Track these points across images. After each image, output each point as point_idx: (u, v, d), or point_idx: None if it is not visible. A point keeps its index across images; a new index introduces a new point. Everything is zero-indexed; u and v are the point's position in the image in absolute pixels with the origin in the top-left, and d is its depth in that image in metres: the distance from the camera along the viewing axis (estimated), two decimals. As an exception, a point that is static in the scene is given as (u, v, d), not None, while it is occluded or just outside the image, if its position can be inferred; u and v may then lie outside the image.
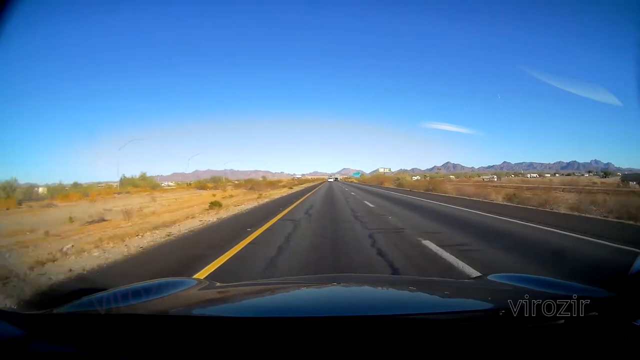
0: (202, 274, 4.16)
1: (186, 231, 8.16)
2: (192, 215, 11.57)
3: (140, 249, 6.04)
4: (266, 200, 20.27)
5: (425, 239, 6.10)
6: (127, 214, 11.92)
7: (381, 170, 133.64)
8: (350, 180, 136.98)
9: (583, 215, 10.10)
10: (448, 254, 4.99)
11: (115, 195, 29.31)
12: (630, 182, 30.47)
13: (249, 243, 6.21)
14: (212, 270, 4.38)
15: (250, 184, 44.83)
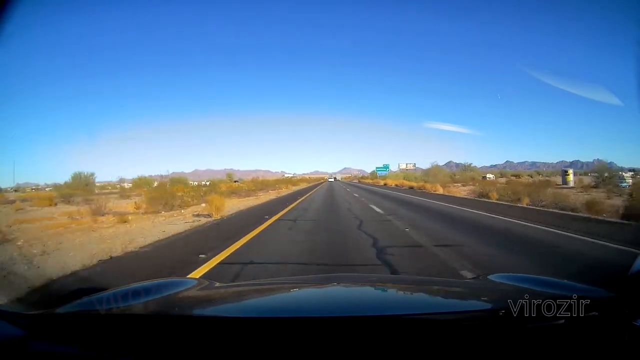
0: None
1: None
2: None
3: None
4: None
5: None
6: None
7: (402, 166, 79.28)
8: (365, 181, 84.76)
9: None
10: None
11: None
12: None
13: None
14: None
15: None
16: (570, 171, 29.55)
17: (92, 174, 22.22)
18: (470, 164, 41.48)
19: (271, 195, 25.52)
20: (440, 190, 24.76)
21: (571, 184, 24.82)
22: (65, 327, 1.03)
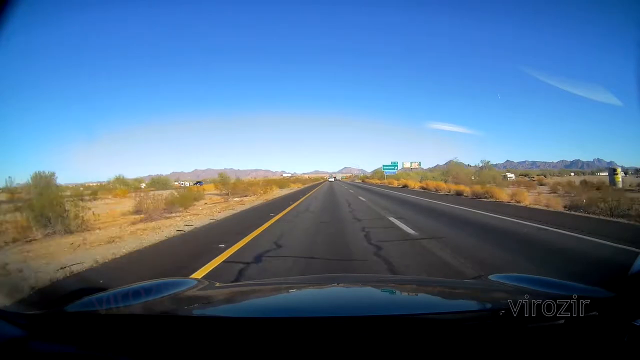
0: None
1: None
2: None
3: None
4: None
5: None
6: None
7: (407, 165, 67.22)
8: (371, 181, 69.98)
9: None
10: None
11: None
12: None
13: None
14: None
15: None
16: (619, 170, 25.49)
17: (53, 174, 17.88)
18: (488, 162, 32.10)
19: (219, 210, 12.88)
20: (527, 200, 13.54)
21: (620, 185, 21.50)
22: (65, 327, 1.03)
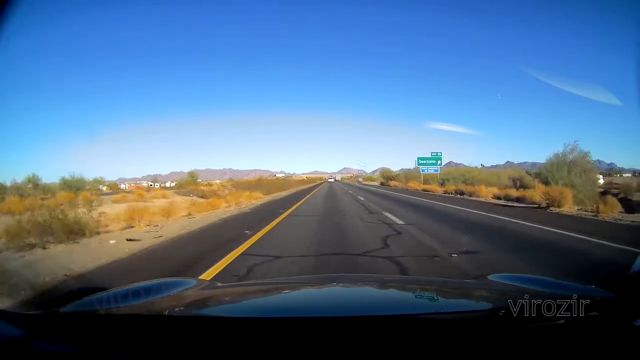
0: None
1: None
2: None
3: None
4: None
5: None
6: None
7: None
8: (406, 184, 38.57)
9: None
10: None
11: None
12: None
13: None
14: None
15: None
16: None
17: None
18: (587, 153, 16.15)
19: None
20: None
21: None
22: (65, 327, 1.03)
